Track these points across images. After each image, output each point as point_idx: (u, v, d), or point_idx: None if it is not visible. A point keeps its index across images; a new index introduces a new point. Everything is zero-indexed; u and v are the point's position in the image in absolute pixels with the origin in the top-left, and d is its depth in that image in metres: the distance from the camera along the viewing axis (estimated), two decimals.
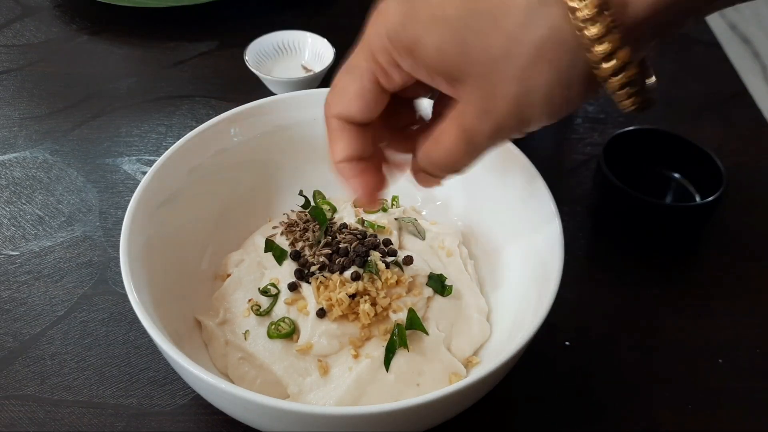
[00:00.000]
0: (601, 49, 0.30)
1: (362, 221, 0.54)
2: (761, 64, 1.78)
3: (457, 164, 0.37)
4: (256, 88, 0.76)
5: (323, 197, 0.58)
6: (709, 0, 0.32)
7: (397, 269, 0.50)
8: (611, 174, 0.60)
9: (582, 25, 0.29)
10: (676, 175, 0.66)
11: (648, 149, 0.65)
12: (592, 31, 0.29)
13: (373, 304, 0.48)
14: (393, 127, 0.42)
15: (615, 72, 0.30)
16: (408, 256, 0.51)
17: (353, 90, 0.37)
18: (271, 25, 0.81)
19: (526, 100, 0.32)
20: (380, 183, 0.41)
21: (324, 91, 0.58)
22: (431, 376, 0.47)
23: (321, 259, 0.50)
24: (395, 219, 0.56)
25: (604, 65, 0.30)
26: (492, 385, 0.44)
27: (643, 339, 0.56)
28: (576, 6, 0.29)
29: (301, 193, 0.56)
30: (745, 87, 0.80)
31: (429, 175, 0.39)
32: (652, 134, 0.65)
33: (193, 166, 0.53)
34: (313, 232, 0.53)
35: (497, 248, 0.55)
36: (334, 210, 0.56)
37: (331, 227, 0.53)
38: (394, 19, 0.34)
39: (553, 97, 0.32)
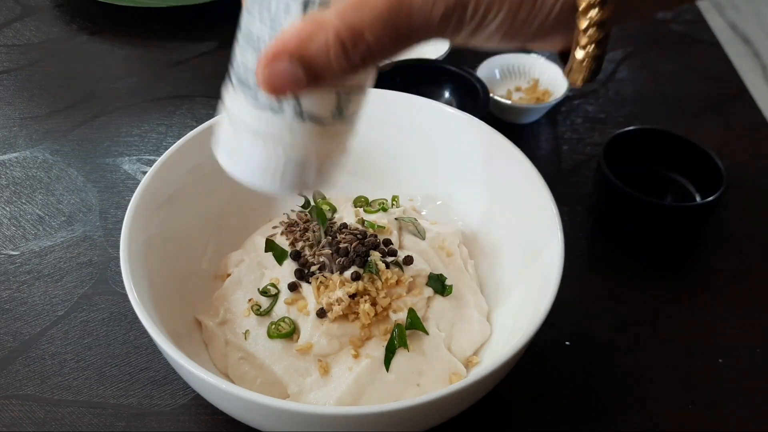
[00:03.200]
0: None
1: (362, 221, 0.54)
2: (761, 64, 1.78)
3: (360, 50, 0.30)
4: None
5: (323, 197, 0.58)
6: None
7: (397, 269, 0.50)
8: (611, 174, 0.60)
9: None
10: (676, 175, 0.66)
11: (648, 149, 0.65)
12: None
13: (373, 304, 0.48)
14: None
15: (594, 4, 0.30)
16: (408, 256, 0.51)
17: None
18: None
19: None
20: None
21: None
22: (431, 376, 0.47)
23: (321, 259, 0.50)
24: (395, 219, 0.56)
25: None
26: (492, 385, 0.44)
27: (643, 339, 0.56)
28: None
29: (301, 194, 0.56)
30: (745, 87, 0.80)
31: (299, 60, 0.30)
32: (652, 134, 0.65)
33: (193, 166, 0.53)
34: (313, 232, 0.53)
35: (497, 248, 0.55)
36: (334, 210, 0.56)
37: (331, 227, 0.53)
38: None
39: (525, 4, 0.31)
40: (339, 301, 0.47)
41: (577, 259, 0.60)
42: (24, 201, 0.65)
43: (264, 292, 0.50)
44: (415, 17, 0.30)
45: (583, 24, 0.31)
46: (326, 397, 0.46)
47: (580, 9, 0.31)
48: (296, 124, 0.32)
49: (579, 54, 0.32)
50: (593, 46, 0.32)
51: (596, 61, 0.32)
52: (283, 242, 0.53)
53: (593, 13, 0.31)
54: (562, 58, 0.35)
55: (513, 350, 0.41)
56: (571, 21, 0.32)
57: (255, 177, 0.34)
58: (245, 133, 0.33)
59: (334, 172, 0.36)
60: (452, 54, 0.78)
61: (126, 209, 0.47)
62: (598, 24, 0.31)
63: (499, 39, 0.32)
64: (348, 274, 0.49)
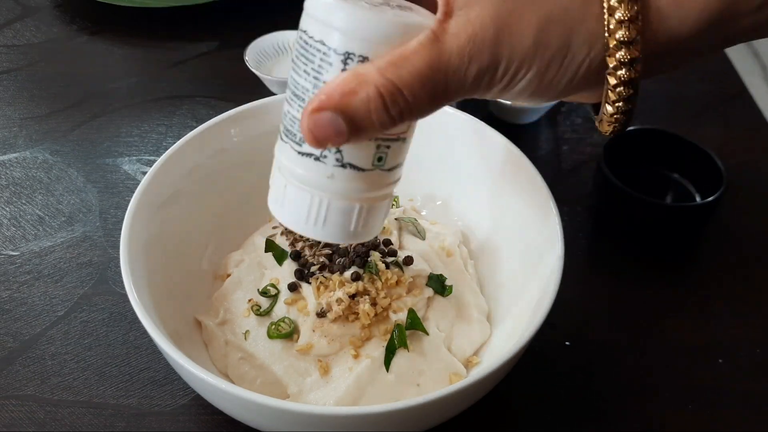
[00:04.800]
0: (621, 34, 0.31)
1: None
2: (761, 64, 1.78)
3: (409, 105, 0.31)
4: (256, 88, 0.76)
5: None
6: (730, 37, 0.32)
7: (397, 269, 0.50)
8: (611, 174, 0.60)
9: (613, 25, 0.31)
10: (676, 175, 0.66)
11: (648, 149, 0.65)
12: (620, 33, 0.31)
13: (373, 304, 0.48)
14: None
15: (624, 63, 0.31)
16: (408, 256, 0.51)
17: None
18: (271, 25, 0.81)
19: (535, 51, 0.31)
20: None
21: None
22: (431, 376, 0.47)
23: (321, 260, 0.50)
24: (395, 219, 0.56)
25: (619, 53, 0.31)
26: (492, 385, 0.44)
27: (643, 339, 0.56)
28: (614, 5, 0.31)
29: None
30: (745, 87, 0.80)
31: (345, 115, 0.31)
32: (652, 134, 0.65)
33: (193, 166, 0.53)
34: None
35: (497, 248, 0.55)
36: None
37: None
38: None
39: (552, 65, 0.32)
40: (339, 301, 0.47)
41: (577, 259, 0.60)
42: (24, 201, 0.65)
43: (264, 293, 0.50)
44: (451, 77, 0.31)
45: (613, 81, 0.32)
46: (326, 398, 0.46)
47: (610, 67, 0.31)
48: (337, 171, 0.34)
49: (609, 109, 0.33)
50: (623, 102, 0.32)
51: (626, 115, 0.33)
52: (283, 242, 0.53)
53: (623, 72, 0.31)
54: (594, 107, 0.36)
55: (513, 350, 0.41)
56: (600, 77, 0.32)
57: (299, 222, 0.36)
58: (291, 181, 0.35)
59: (378, 219, 0.37)
60: None
61: (126, 209, 0.47)
62: (628, 82, 0.31)
63: (528, 96, 0.33)
64: (348, 274, 0.49)
